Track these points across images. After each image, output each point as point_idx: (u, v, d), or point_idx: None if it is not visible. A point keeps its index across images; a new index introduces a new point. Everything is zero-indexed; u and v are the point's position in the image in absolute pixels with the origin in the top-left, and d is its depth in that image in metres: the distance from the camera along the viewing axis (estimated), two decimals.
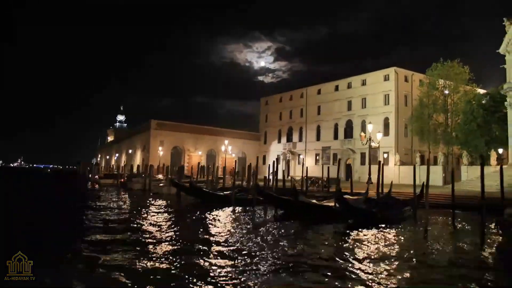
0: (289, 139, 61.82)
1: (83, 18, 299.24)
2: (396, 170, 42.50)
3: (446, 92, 40.79)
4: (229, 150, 62.28)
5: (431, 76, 40.81)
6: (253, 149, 66.77)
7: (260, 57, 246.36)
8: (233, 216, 17.65)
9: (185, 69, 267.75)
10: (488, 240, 12.25)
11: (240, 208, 19.91)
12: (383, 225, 14.39)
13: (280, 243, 11.16)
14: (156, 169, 44.18)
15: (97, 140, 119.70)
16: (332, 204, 16.32)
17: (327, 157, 53.76)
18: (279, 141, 63.84)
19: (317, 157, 56.16)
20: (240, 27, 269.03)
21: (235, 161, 60.40)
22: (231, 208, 19.86)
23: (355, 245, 11.04)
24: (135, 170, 49.69)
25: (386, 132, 46.52)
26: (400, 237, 12.79)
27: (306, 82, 56.11)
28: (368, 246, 10.89)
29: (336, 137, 53.17)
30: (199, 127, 61.54)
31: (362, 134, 28.56)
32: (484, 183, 14.34)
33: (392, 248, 10.82)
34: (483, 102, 35.21)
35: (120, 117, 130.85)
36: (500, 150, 34.08)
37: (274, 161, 27.23)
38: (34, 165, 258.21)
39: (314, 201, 17.73)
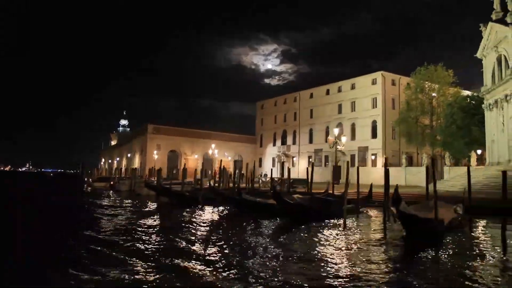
0: (283, 142, 63.11)
1: (89, 21, 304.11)
2: (383, 171, 43.53)
3: (434, 94, 41.92)
4: (225, 153, 63.91)
5: (415, 79, 41.92)
6: (249, 152, 68.22)
7: (266, 60, 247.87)
8: (185, 213, 19.09)
9: (191, 72, 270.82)
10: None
11: (207, 207, 21.31)
12: (321, 219, 15.90)
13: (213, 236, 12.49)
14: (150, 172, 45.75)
15: (102, 144, 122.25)
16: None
17: (319, 159, 54.96)
18: (274, 144, 65.11)
19: (310, 160, 57.29)
20: (246, 30, 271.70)
21: (238, 163, 61.73)
22: (193, 207, 21.26)
23: (276, 237, 12.40)
24: (131, 173, 51.47)
25: (374, 135, 47.65)
26: (320, 230, 14.07)
27: (312, 83, 57.50)
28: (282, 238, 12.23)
29: (327, 139, 54.20)
30: (195, 131, 63.15)
31: (330, 138, 29.90)
32: (389, 184, 15.82)
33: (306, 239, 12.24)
34: (463, 105, 36.15)
35: (123, 122, 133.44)
36: (479, 151, 35.03)
37: (234, 166, 28.52)
38: (42, 169, 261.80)
39: (258, 199, 18.92)
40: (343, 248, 10.81)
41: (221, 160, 31.83)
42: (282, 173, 56.50)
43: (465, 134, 35.40)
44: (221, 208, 21.00)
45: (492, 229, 14.00)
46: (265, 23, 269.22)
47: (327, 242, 11.60)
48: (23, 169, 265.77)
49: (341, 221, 15.35)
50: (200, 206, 21.60)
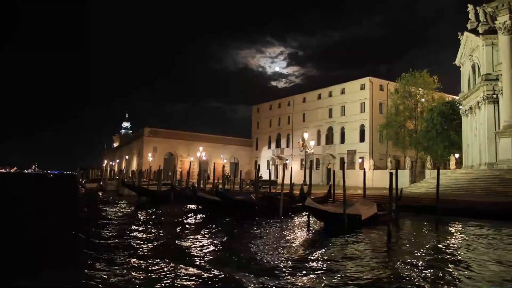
0: (278, 145, 64.66)
1: (100, 28, 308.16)
2: (370, 174, 44.98)
3: (423, 100, 43.39)
4: (221, 156, 65.69)
5: (400, 85, 43.41)
6: (245, 155, 69.92)
7: (273, 62, 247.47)
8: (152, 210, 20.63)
9: (198, 75, 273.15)
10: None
11: (179, 205, 22.89)
12: (271, 215, 17.00)
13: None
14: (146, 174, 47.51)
15: (105, 146, 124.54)
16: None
17: (311, 162, 56.34)
18: (269, 147, 66.67)
19: (302, 162, 58.76)
20: (253, 33, 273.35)
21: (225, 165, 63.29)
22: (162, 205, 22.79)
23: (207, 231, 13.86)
24: (129, 174, 53.30)
25: (362, 138, 49.05)
26: (259, 225, 15.34)
27: (319, 86, 58.63)
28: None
29: (318, 143, 55.77)
30: (192, 134, 64.90)
31: (300, 141, 31.57)
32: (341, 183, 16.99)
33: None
34: (443, 110, 37.47)
35: (126, 124, 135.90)
36: (457, 155, 36.34)
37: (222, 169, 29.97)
38: (48, 171, 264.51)
39: (215, 197, 20.46)
40: (265, 239, 12.00)
41: (247, 166, 33.40)
42: (276, 176, 58.32)
43: (444, 139, 36.78)
44: (192, 206, 22.17)
45: (414, 226, 15.65)
46: (272, 26, 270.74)
47: (256, 235, 12.80)
48: (29, 171, 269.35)
49: (294, 218, 16.75)
50: (172, 204, 22.89)
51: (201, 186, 30.11)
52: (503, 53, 25.74)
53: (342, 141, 51.94)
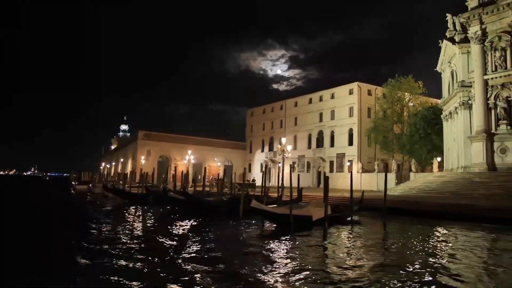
0: (270, 148, 65.82)
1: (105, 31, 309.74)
2: (358, 177, 46.05)
3: (411, 104, 44.57)
4: (215, 159, 66.93)
5: (386, 90, 44.60)
6: (239, 158, 71.05)
7: (274, 65, 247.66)
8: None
9: (200, 77, 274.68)
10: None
11: (157, 206, 23.49)
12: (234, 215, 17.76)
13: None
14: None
15: (103, 148, 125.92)
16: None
17: (302, 165, 57.53)
18: (262, 150, 67.82)
19: (294, 165, 59.88)
20: (254, 35, 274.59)
21: (223, 168, 64.38)
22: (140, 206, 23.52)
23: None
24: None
25: (350, 142, 50.20)
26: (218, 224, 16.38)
27: (319, 89, 59.44)
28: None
29: (309, 146, 56.99)
30: (185, 137, 66.04)
31: (279, 146, 32.84)
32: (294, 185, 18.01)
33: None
34: (425, 115, 38.60)
35: (124, 127, 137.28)
36: (439, 158, 37.46)
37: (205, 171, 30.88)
38: (48, 173, 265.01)
39: (181, 197, 21.65)
40: (209, 238, 12.80)
41: (241, 169, 34.58)
42: (269, 179, 59.44)
43: (427, 142, 37.91)
44: (169, 206, 22.89)
45: (366, 226, 16.63)
46: (274, 29, 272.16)
47: (203, 234, 13.57)
48: (28, 173, 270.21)
49: (256, 219, 17.66)
50: (149, 205, 23.58)
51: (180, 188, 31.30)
52: (475, 62, 26.92)
53: (332, 144, 53.07)
